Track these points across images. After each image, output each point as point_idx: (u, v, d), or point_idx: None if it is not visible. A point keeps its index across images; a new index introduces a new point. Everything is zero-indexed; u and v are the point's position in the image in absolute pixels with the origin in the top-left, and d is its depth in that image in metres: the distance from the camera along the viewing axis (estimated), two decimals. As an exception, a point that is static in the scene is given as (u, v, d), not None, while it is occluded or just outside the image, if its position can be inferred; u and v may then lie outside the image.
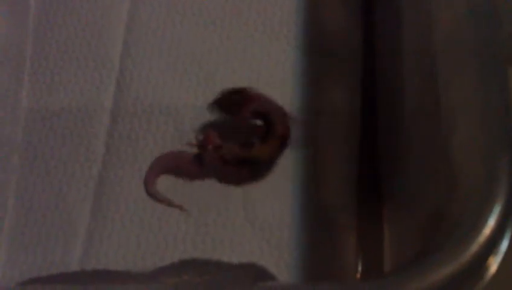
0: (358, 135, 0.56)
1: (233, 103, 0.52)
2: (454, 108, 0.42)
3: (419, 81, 0.48)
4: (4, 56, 0.58)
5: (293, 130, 0.53)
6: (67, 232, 0.51)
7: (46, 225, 0.52)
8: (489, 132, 0.39)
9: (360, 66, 0.58)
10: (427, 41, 0.46)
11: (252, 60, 0.58)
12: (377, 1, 0.60)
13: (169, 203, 0.52)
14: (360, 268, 0.52)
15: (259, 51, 0.58)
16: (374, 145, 0.56)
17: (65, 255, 0.51)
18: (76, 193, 0.53)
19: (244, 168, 0.52)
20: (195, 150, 0.53)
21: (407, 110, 0.50)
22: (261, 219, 0.52)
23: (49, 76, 0.58)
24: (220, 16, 0.60)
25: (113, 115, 0.56)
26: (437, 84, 0.44)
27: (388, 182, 0.53)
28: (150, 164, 0.54)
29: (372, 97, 0.57)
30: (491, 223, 0.36)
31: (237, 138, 0.52)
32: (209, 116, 0.54)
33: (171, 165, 0.53)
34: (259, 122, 0.53)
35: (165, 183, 0.53)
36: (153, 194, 0.52)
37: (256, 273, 0.49)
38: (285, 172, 0.53)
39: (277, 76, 0.57)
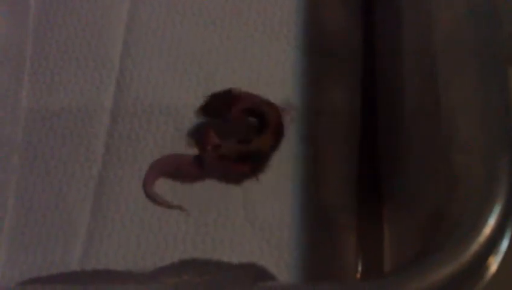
0: (358, 135, 0.56)
1: (221, 106, 0.52)
2: (454, 108, 0.42)
3: (419, 81, 0.48)
4: (4, 56, 0.58)
5: (286, 120, 0.53)
6: (67, 232, 0.51)
7: (46, 225, 0.52)
8: (489, 132, 0.39)
9: (360, 66, 0.58)
10: (427, 41, 0.46)
11: (252, 60, 0.58)
12: (377, 1, 0.60)
13: (168, 205, 0.52)
14: (360, 268, 0.52)
15: (259, 51, 0.58)
16: (374, 145, 0.56)
17: (65, 255, 0.51)
18: (77, 193, 0.53)
19: (245, 163, 0.52)
20: (194, 152, 0.53)
21: (407, 110, 0.50)
22: (261, 219, 0.52)
23: (49, 76, 0.58)
24: (220, 16, 0.60)
25: (113, 115, 0.56)
26: (437, 84, 0.44)
27: (388, 182, 0.53)
28: (149, 164, 0.53)
29: (372, 97, 0.57)
30: (491, 223, 0.36)
31: (234, 136, 0.52)
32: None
33: (170, 168, 0.53)
34: (251, 118, 0.53)
35: (165, 184, 0.53)
36: (151, 196, 0.52)
37: (256, 273, 0.49)
38: (285, 172, 0.53)
39: (277, 76, 0.57)
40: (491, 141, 0.39)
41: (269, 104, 0.53)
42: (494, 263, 0.36)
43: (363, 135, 0.56)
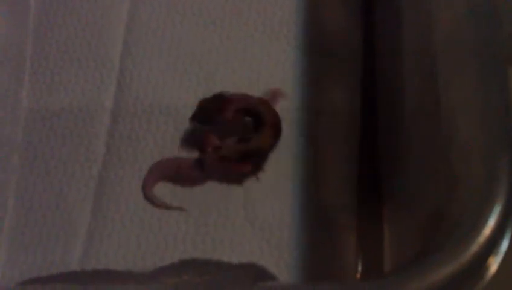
0: (358, 135, 0.56)
1: (213, 111, 0.52)
2: (454, 108, 0.42)
3: (419, 81, 0.48)
4: (4, 56, 0.58)
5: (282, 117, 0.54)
6: (68, 232, 0.51)
7: (46, 225, 0.52)
8: (489, 132, 0.39)
9: (360, 66, 0.58)
10: (427, 41, 0.46)
11: (252, 60, 0.58)
12: (377, 1, 0.60)
13: (166, 207, 0.52)
14: (360, 268, 0.52)
15: (259, 51, 0.58)
16: (374, 145, 0.56)
17: (65, 255, 0.51)
18: (77, 193, 0.53)
19: (247, 163, 0.52)
20: (194, 155, 0.53)
21: (407, 110, 0.50)
22: (261, 219, 0.52)
23: (49, 76, 0.58)
24: (220, 16, 0.60)
25: (114, 115, 0.56)
26: (437, 84, 0.44)
27: (388, 182, 0.53)
28: (149, 166, 0.53)
29: (372, 97, 0.57)
30: (491, 223, 0.36)
31: (232, 136, 0.52)
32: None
33: (170, 171, 0.53)
34: (246, 118, 0.53)
35: (165, 185, 0.53)
36: (150, 199, 0.52)
37: (256, 273, 0.49)
38: (285, 172, 0.53)
39: (277, 76, 0.57)
40: (491, 141, 0.39)
41: (263, 102, 0.53)
42: (494, 264, 0.36)
43: (363, 135, 0.56)
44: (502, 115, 0.40)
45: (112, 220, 0.52)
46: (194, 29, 0.59)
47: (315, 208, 0.52)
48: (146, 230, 0.51)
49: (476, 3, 0.43)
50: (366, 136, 0.56)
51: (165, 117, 0.55)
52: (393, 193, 0.52)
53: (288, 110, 0.55)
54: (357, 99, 0.57)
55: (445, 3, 0.45)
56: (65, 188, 0.53)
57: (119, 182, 0.53)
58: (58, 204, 0.53)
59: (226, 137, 0.52)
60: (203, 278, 0.49)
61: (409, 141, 0.49)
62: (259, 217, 0.52)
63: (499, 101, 0.40)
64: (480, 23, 0.43)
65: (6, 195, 0.53)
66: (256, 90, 0.55)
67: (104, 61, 0.58)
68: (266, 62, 0.57)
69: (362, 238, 0.52)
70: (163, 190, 0.53)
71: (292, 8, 0.60)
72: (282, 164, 0.53)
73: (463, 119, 0.41)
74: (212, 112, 0.52)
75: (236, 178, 0.53)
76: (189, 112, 0.54)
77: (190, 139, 0.54)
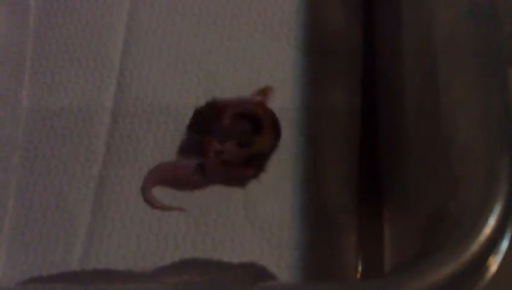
0: (358, 135, 0.56)
1: (209, 119, 0.52)
2: (454, 108, 0.42)
3: (419, 81, 0.48)
4: (4, 56, 0.58)
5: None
6: (68, 231, 0.51)
7: (46, 225, 0.52)
8: (489, 132, 0.39)
9: (360, 66, 0.58)
10: (427, 41, 0.46)
11: (252, 60, 0.58)
12: (377, 1, 0.60)
13: (166, 209, 0.52)
14: (360, 268, 0.52)
15: (260, 50, 0.58)
16: (374, 145, 0.56)
17: (65, 255, 0.51)
18: (77, 193, 0.53)
19: (249, 166, 0.52)
20: (194, 160, 0.52)
21: (407, 110, 0.50)
22: (261, 219, 0.52)
23: (50, 76, 0.58)
24: (220, 15, 0.60)
25: (114, 114, 0.56)
26: (437, 84, 0.44)
27: (388, 182, 0.53)
28: (149, 165, 0.53)
29: (372, 97, 0.57)
30: (491, 222, 0.36)
31: (232, 140, 0.52)
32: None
33: (169, 176, 0.53)
34: (244, 123, 0.52)
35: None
36: (149, 201, 0.52)
37: (257, 273, 0.49)
38: (285, 172, 0.53)
39: (277, 76, 0.57)
40: (491, 141, 0.39)
41: (258, 104, 0.53)
42: (494, 263, 0.36)
43: (363, 135, 0.56)
44: (502, 115, 0.40)
45: (112, 219, 0.52)
46: (194, 29, 0.59)
47: (315, 208, 0.52)
48: (146, 230, 0.51)
49: (476, 3, 0.43)
50: (366, 136, 0.56)
51: (165, 117, 0.55)
52: (393, 193, 0.52)
53: (288, 110, 0.55)
54: (357, 99, 0.57)
55: (445, 3, 0.45)
56: (65, 188, 0.53)
57: (119, 182, 0.53)
58: (58, 204, 0.53)
59: (225, 141, 0.52)
60: (203, 278, 0.49)
61: (409, 141, 0.49)
62: (260, 217, 0.52)
63: (499, 101, 0.40)
64: (480, 23, 0.43)
65: (7, 195, 0.53)
66: (256, 90, 0.55)
67: (104, 61, 0.58)
68: (266, 62, 0.57)
69: (362, 238, 0.52)
70: (163, 190, 0.53)
71: (292, 8, 0.60)
72: (283, 164, 0.53)
73: (463, 119, 0.41)
74: (209, 120, 0.52)
75: (239, 181, 0.52)
76: (190, 112, 0.54)
77: (189, 145, 0.54)
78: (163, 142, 0.55)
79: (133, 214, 0.52)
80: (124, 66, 0.58)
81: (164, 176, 0.53)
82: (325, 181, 0.54)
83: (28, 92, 0.57)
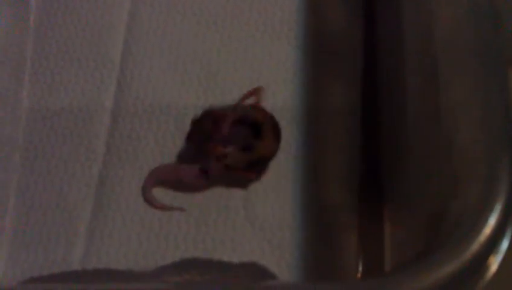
0: (358, 135, 0.56)
1: (209, 129, 0.51)
2: (455, 108, 0.42)
3: (419, 81, 0.48)
4: (5, 56, 0.58)
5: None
6: (69, 231, 0.51)
7: (47, 224, 0.52)
8: (490, 132, 0.40)
9: (360, 66, 0.58)
10: (428, 41, 0.46)
11: (252, 59, 0.58)
12: (377, 1, 0.60)
13: (166, 209, 0.52)
14: (360, 268, 0.52)
15: (260, 50, 0.58)
16: (374, 145, 0.56)
17: (66, 254, 0.51)
18: (77, 192, 0.53)
19: (253, 170, 0.52)
20: (197, 165, 0.52)
21: (408, 110, 0.50)
22: (261, 219, 0.52)
23: (50, 76, 0.58)
24: (221, 15, 0.60)
25: (114, 114, 0.56)
26: (437, 84, 0.44)
27: (389, 181, 0.53)
28: (149, 165, 0.53)
29: (373, 97, 0.57)
30: (492, 222, 0.36)
31: (234, 145, 0.52)
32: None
33: (171, 178, 0.53)
34: (243, 129, 0.52)
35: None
36: (150, 201, 0.52)
37: (257, 272, 0.49)
38: (286, 172, 0.53)
39: (278, 76, 0.57)
40: (491, 141, 0.39)
41: (257, 108, 0.53)
42: (494, 263, 0.36)
43: (363, 135, 0.56)
44: (502, 115, 0.40)
45: (112, 219, 0.52)
46: (195, 28, 0.59)
47: (316, 207, 0.52)
48: (147, 229, 0.51)
49: (476, 3, 0.43)
50: (366, 136, 0.56)
51: (166, 117, 0.55)
52: (393, 193, 0.52)
53: (288, 110, 0.55)
54: (357, 99, 0.57)
55: (445, 3, 0.46)
56: (66, 188, 0.53)
57: (120, 182, 0.53)
58: (58, 203, 0.53)
59: (227, 147, 0.52)
60: (204, 278, 0.49)
61: (409, 141, 0.49)
62: (260, 217, 0.52)
63: (499, 101, 0.40)
64: (481, 23, 0.43)
65: (7, 194, 0.53)
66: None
67: (105, 61, 0.58)
68: (267, 62, 0.57)
69: (363, 238, 0.52)
70: (163, 190, 0.53)
71: (293, 8, 0.60)
72: (283, 164, 0.53)
73: (463, 119, 0.41)
74: (209, 130, 0.51)
75: (240, 184, 0.52)
76: (190, 112, 0.54)
77: (188, 154, 0.54)
78: (164, 142, 0.55)
79: (134, 213, 0.52)
80: (124, 66, 0.58)
81: (165, 177, 0.53)
82: (325, 181, 0.54)
83: (28, 92, 0.57)
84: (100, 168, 0.54)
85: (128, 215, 0.52)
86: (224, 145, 0.51)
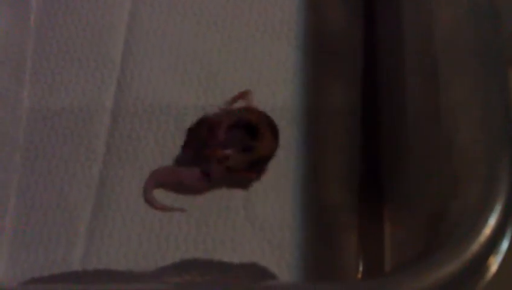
0: (358, 135, 0.56)
1: (203, 135, 0.51)
2: (455, 108, 0.42)
3: (419, 81, 0.48)
4: (5, 56, 0.58)
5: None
6: (69, 231, 0.51)
7: (47, 224, 0.52)
8: (490, 132, 0.40)
9: (360, 66, 0.58)
10: (428, 41, 0.46)
11: (253, 59, 0.58)
12: (377, 1, 0.60)
13: (167, 210, 0.52)
14: (361, 268, 0.52)
15: (260, 50, 0.58)
16: (374, 145, 0.56)
17: (67, 255, 0.51)
18: (78, 192, 0.53)
19: (253, 171, 0.52)
20: (199, 167, 0.52)
21: (408, 110, 0.50)
22: (261, 219, 0.52)
23: (50, 76, 0.58)
24: (221, 15, 0.60)
25: (114, 114, 0.56)
26: (437, 84, 0.44)
27: (389, 181, 0.53)
28: (149, 165, 0.53)
29: (373, 97, 0.57)
30: (492, 222, 0.36)
31: (232, 147, 0.52)
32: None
33: (172, 180, 0.53)
34: (238, 132, 0.52)
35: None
36: (150, 202, 0.52)
37: (258, 273, 0.49)
38: (286, 172, 0.53)
39: (278, 76, 0.57)
40: (491, 141, 0.39)
41: (249, 110, 0.53)
42: (494, 263, 0.36)
43: (363, 135, 0.56)
44: (502, 115, 0.40)
45: (112, 219, 0.52)
46: (195, 29, 0.59)
47: (316, 207, 0.52)
48: (147, 229, 0.51)
49: (476, 3, 0.43)
50: (366, 136, 0.56)
51: (166, 117, 0.55)
52: (393, 193, 0.52)
53: (288, 110, 0.55)
54: (357, 99, 0.57)
55: (445, 3, 0.46)
56: (66, 188, 0.53)
57: (120, 182, 0.53)
58: (59, 203, 0.53)
59: (229, 145, 0.52)
60: (204, 278, 0.49)
61: (409, 141, 0.49)
62: (260, 217, 0.52)
63: (499, 101, 0.40)
64: (481, 23, 0.43)
65: (8, 194, 0.53)
66: (257, 90, 0.55)
67: (105, 61, 0.58)
68: (267, 62, 0.57)
69: (363, 238, 0.52)
70: (163, 191, 0.53)
71: (293, 8, 0.60)
72: (283, 164, 0.53)
73: (463, 119, 0.42)
74: (203, 137, 0.51)
75: (241, 185, 0.52)
76: (190, 112, 0.54)
77: (186, 161, 0.54)
78: (164, 142, 0.55)
79: (134, 213, 0.52)
80: (124, 66, 0.58)
81: (166, 179, 0.53)
82: (325, 181, 0.54)
83: (28, 92, 0.57)
84: (100, 168, 0.54)
85: (129, 216, 0.52)
86: (223, 149, 0.51)
